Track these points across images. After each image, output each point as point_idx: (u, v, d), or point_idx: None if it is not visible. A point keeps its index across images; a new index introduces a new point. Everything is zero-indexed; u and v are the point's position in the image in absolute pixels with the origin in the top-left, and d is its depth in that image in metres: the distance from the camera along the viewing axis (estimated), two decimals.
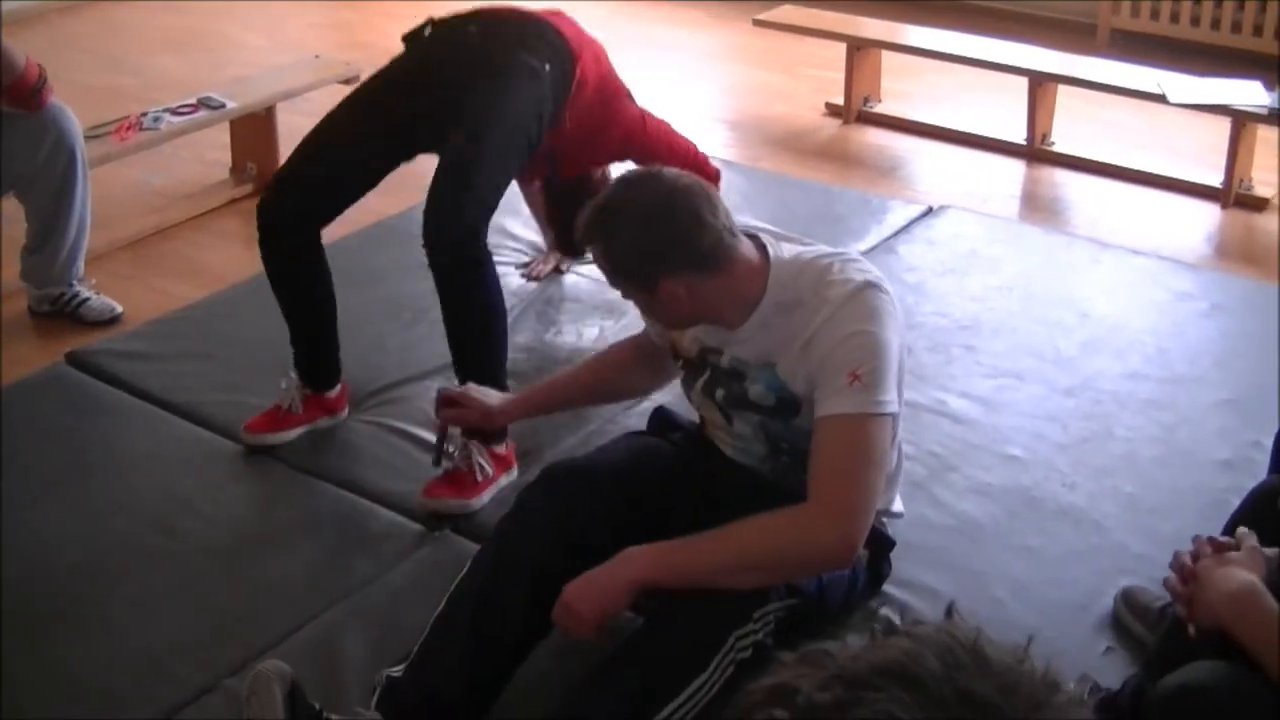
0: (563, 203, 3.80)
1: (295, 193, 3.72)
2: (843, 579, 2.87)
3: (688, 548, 2.63)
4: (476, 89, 3.65)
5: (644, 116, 4.22)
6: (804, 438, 2.71)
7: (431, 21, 3.89)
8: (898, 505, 3.07)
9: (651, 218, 2.67)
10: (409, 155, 3.84)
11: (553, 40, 3.82)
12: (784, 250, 2.78)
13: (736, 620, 2.61)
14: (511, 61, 3.69)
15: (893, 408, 2.65)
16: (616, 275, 2.77)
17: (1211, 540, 2.37)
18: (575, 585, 2.61)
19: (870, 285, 2.69)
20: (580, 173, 4.13)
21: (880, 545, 3.01)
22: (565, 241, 4.34)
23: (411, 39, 3.89)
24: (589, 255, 3.04)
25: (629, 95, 4.17)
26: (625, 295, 2.86)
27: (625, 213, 2.70)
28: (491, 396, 3.25)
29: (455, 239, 3.49)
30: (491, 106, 3.62)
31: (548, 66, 3.72)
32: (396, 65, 3.86)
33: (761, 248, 2.77)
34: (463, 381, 3.45)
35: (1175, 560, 2.37)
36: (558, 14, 3.99)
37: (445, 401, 3.25)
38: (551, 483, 2.89)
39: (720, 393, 2.88)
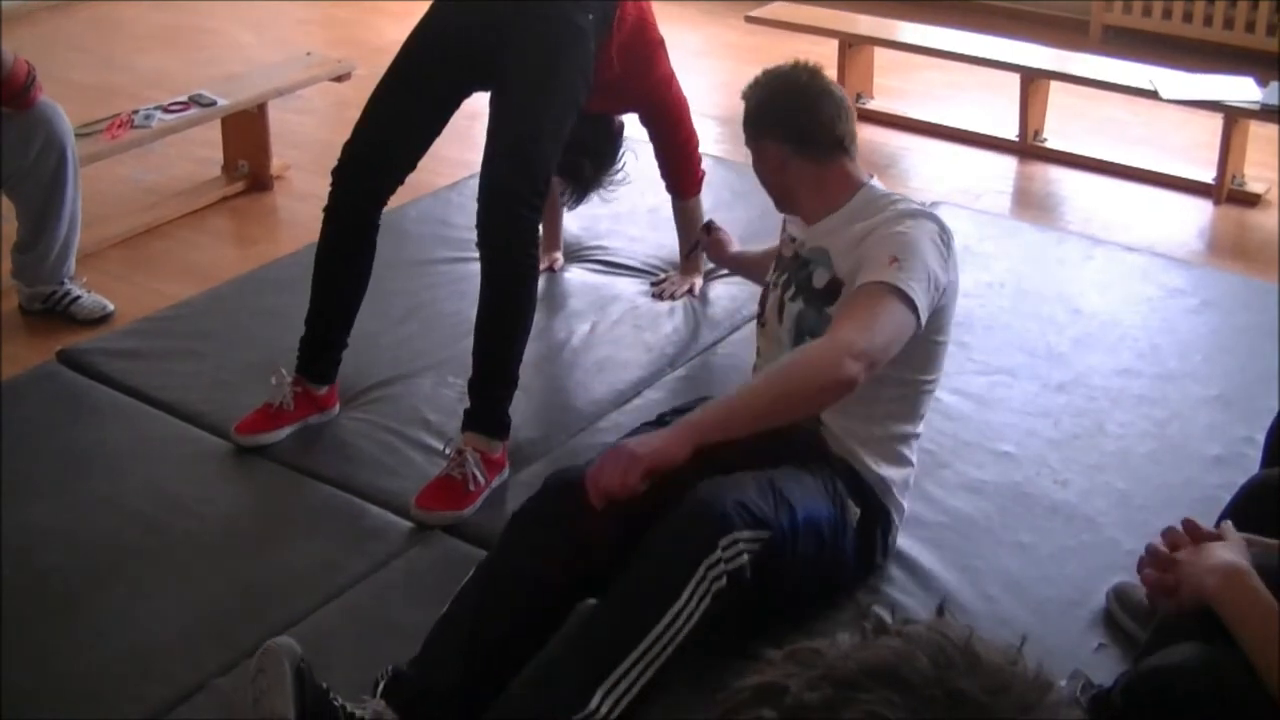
0: (572, 142, 3.76)
1: (366, 157, 3.75)
2: (819, 522, 2.86)
3: (729, 397, 2.87)
4: (524, 54, 3.64)
5: (672, 78, 4.24)
6: (826, 327, 2.98)
7: None
8: (905, 500, 3.18)
9: (787, 91, 3.16)
10: (459, 103, 3.84)
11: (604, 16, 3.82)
12: (880, 186, 3.19)
13: (703, 549, 2.63)
14: (558, 21, 3.67)
15: (918, 298, 2.87)
16: (744, 125, 3.22)
17: (1189, 526, 2.36)
18: (628, 441, 2.76)
19: (929, 215, 3.06)
20: (599, 110, 4.09)
21: (874, 512, 3.04)
22: (576, 183, 4.37)
23: None
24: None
25: (662, 48, 4.19)
26: (747, 145, 3.24)
27: (775, 79, 3.18)
28: None
29: (510, 232, 3.55)
30: (541, 81, 3.62)
31: (590, 16, 3.72)
32: (435, 16, 3.83)
33: (866, 178, 3.18)
34: (476, 368, 3.57)
35: (1149, 551, 2.36)
36: None
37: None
38: (553, 496, 2.88)
39: (791, 282, 3.16)
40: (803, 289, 3.13)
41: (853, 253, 3.01)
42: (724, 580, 2.63)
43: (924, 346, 3.01)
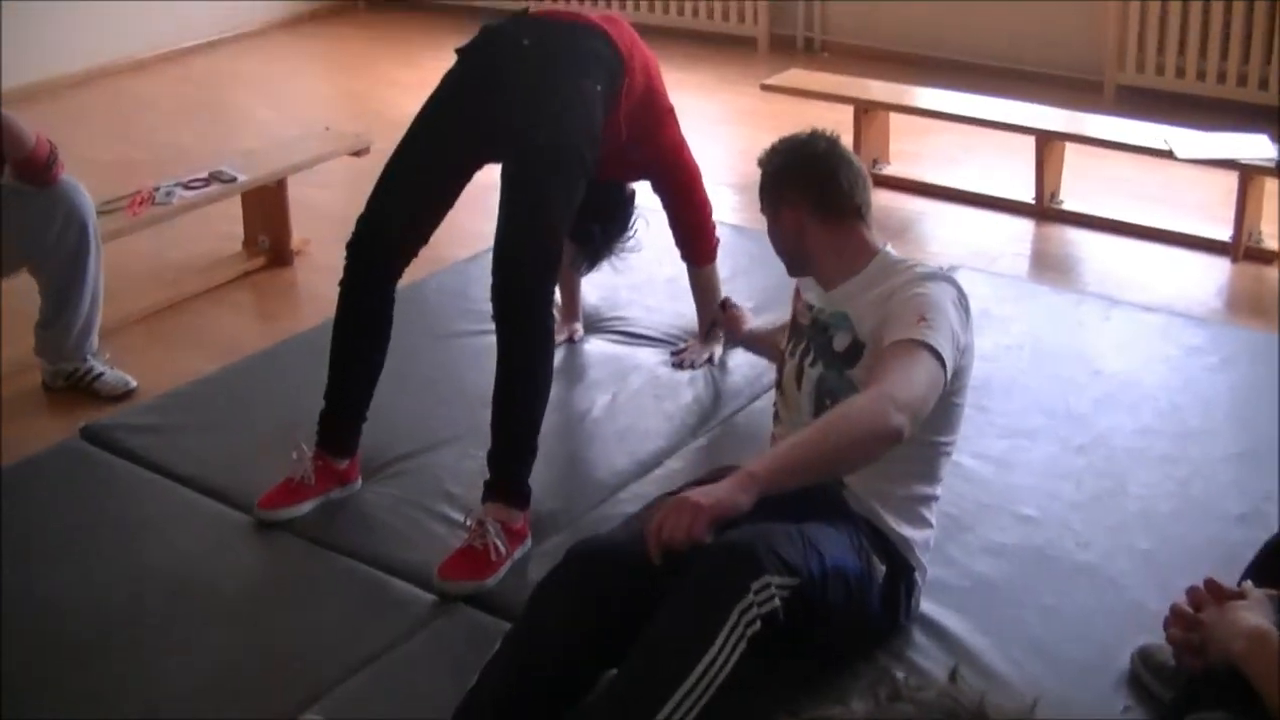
0: (583, 208, 3.78)
1: (380, 231, 3.77)
2: (846, 572, 2.86)
3: (783, 448, 2.86)
4: (534, 125, 3.66)
5: (682, 146, 4.26)
6: (848, 390, 3.03)
7: (484, 30, 3.92)
8: (929, 542, 3.20)
9: (807, 158, 3.23)
10: (471, 175, 3.87)
11: (604, 54, 3.84)
12: (894, 253, 3.22)
13: (736, 592, 2.62)
14: (567, 91, 3.71)
15: (948, 359, 2.91)
16: (760, 192, 3.29)
17: (1211, 586, 2.36)
18: (691, 491, 2.71)
19: (948, 279, 3.09)
20: (610, 178, 4.11)
21: (898, 569, 3.05)
22: (587, 250, 4.36)
23: (466, 51, 3.91)
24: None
25: (672, 116, 4.22)
26: (762, 211, 3.30)
27: (794, 147, 3.25)
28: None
29: (524, 301, 3.57)
30: (551, 151, 3.65)
31: (599, 87, 3.75)
32: (451, 82, 3.88)
33: (882, 244, 3.22)
34: (495, 439, 3.58)
35: (1173, 612, 2.35)
36: (611, 20, 4.02)
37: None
38: (576, 566, 2.88)
39: (811, 347, 3.18)
40: (823, 353, 3.14)
41: (875, 314, 3.04)
42: (758, 624, 2.62)
43: (943, 407, 3.00)
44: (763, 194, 3.29)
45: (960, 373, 3.05)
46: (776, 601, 2.64)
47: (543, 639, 2.80)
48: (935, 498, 3.19)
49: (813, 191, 3.19)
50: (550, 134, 3.66)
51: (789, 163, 3.24)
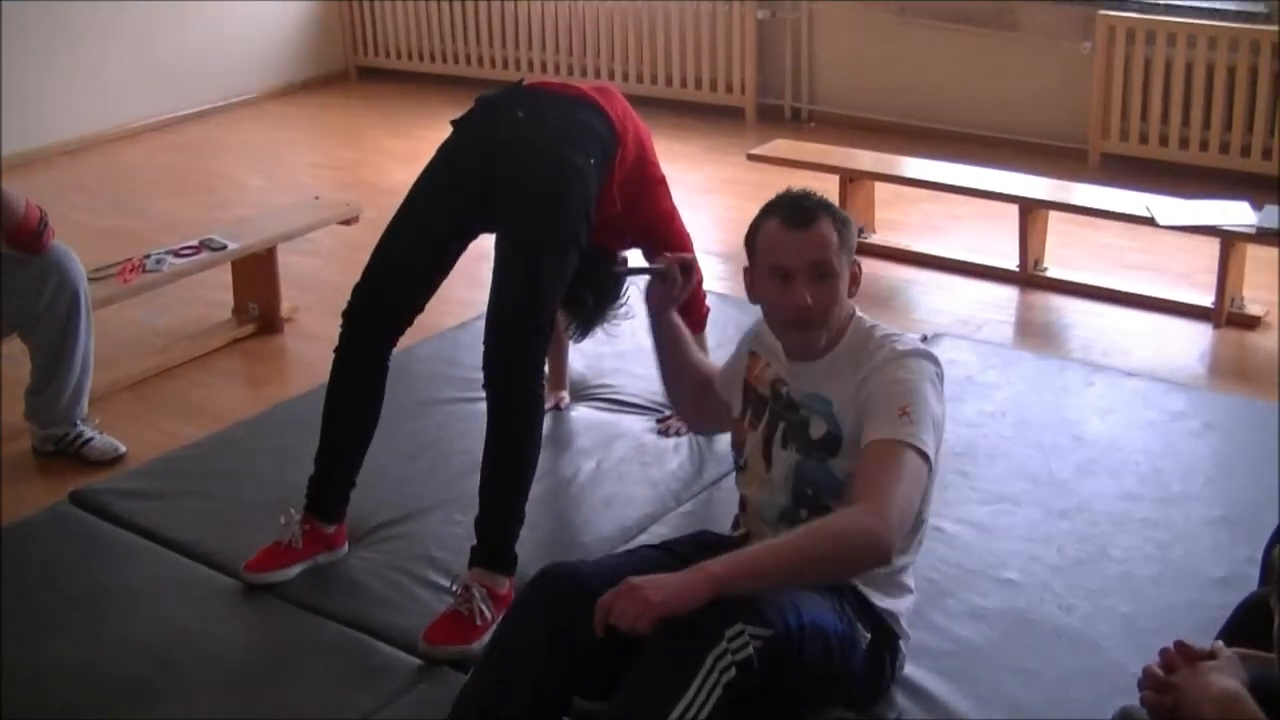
0: (575, 276, 3.80)
1: (377, 300, 3.82)
2: (826, 630, 2.87)
3: (754, 551, 2.81)
4: (527, 196, 3.71)
5: (674, 215, 4.28)
6: (830, 481, 3.01)
7: (480, 102, 3.96)
8: (909, 608, 3.19)
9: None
10: (465, 245, 3.91)
11: (598, 127, 3.87)
12: (866, 318, 3.13)
13: (710, 639, 2.64)
14: (560, 163, 3.74)
15: (932, 455, 2.89)
16: (843, 249, 3.05)
17: (1181, 648, 2.38)
18: (646, 578, 2.70)
19: (925, 354, 3.03)
20: (601, 245, 4.08)
21: (883, 635, 3.06)
22: (579, 318, 4.33)
23: (462, 122, 3.96)
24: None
25: (663, 186, 4.23)
26: (829, 270, 3.02)
27: (844, 214, 3.12)
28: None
29: (515, 369, 3.61)
30: (544, 221, 3.69)
31: (593, 160, 3.78)
32: (447, 153, 3.92)
33: (853, 308, 3.14)
34: (482, 504, 3.60)
35: (1146, 674, 2.37)
36: (604, 91, 4.05)
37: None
38: (546, 583, 2.91)
39: (780, 426, 3.10)
40: (797, 437, 3.08)
41: (855, 400, 2.98)
42: (733, 671, 2.64)
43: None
44: (844, 251, 3.09)
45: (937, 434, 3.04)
46: (751, 650, 2.66)
47: (517, 656, 2.82)
48: (912, 563, 3.20)
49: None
50: (542, 205, 3.70)
51: (840, 209, 3.13)
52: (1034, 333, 5.76)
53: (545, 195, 3.71)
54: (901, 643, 3.16)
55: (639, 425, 4.56)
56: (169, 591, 3.77)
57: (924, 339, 5.12)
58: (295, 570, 3.76)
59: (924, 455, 2.87)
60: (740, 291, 5.84)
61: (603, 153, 3.84)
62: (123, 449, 4.77)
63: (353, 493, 3.88)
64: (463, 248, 3.90)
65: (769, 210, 3.08)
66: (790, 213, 3.03)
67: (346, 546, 3.88)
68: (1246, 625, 2.65)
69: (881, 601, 3.06)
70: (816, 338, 3.05)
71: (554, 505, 4.12)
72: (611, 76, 9.07)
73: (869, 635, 3.00)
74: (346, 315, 3.83)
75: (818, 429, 3.05)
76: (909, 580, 3.18)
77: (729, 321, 5.08)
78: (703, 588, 2.66)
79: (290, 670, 3.45)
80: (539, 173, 3.73)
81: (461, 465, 4.13)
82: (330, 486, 3.86)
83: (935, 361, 3.04)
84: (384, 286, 3.82)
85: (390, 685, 3.34)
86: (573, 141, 3.79)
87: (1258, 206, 5.65)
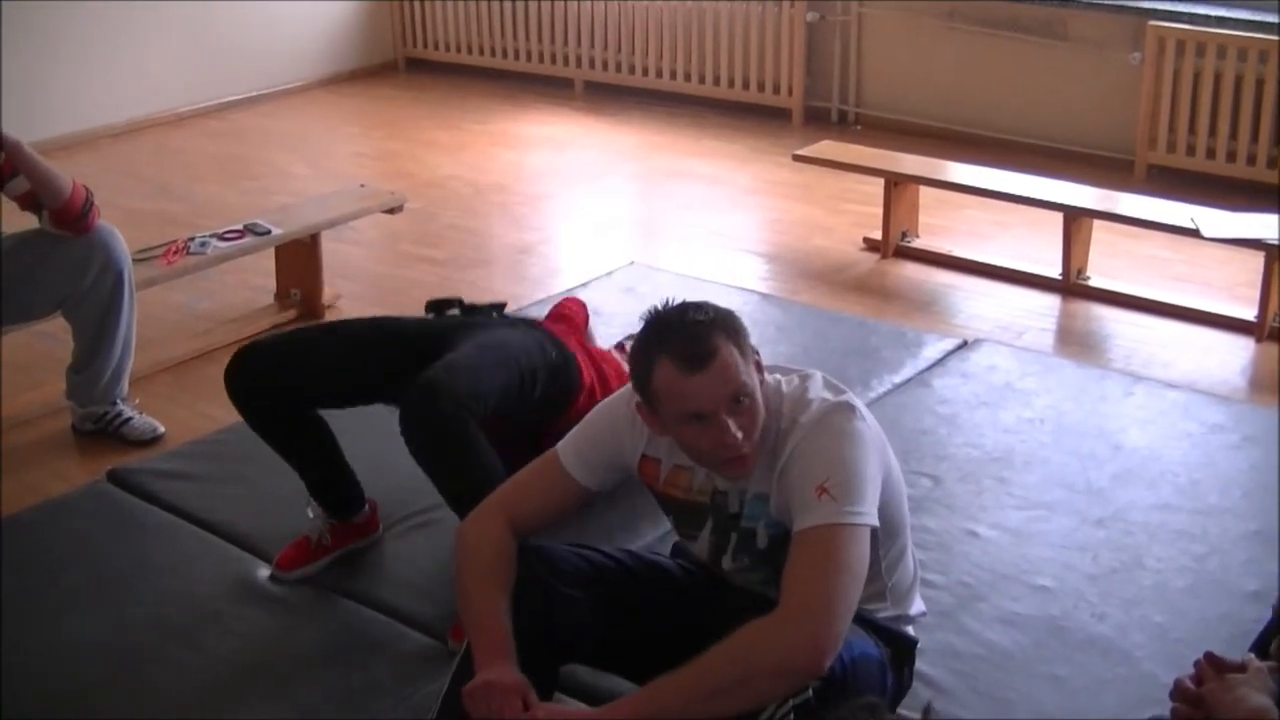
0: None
1: (272, 375, 3.69)
2: (870, 659, 2.80)
3: (658, 688, 2.58)
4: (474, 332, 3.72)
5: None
6: None
7: (460, 304, 3.98)
8: (918, 606, 3.10)
9: (727, 313, 2.77)
10: (377, 398, 3.79)
11: (562, 370, 3.79)
12: (769, 386, 2.81)
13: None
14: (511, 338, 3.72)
15: (864, 519, 2.65)
16: (748, 364, 2.72)
17: (1211, 660, 2.37)
18: (555, 708, 2.66)
19: (837, 408, 2.75)
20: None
21: (901, 648, 3.01)
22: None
23: (435, 307, 3.97)
24: None
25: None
26: (746, 393, 2.69)
27: (731, 316, 2.76)
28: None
29: (440, 409, 3.35)
30: (478, 339, 3.66)
31: (538, 374, 3.67)
32: (410, 321, 3.91)
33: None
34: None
35: (1177, 687, 2.37)
36: (581, 342, 4.04)
37: None
38: (522, 564, 2.87)
39: (722, 534, 2.90)
40: (746, 549, 2.88)
41: (781, 498, 2.75)
42: (791, 716, 2.57)
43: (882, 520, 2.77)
44: (749, 370, 2.73)
45: (886, 485, 2.80)
46: (809, 693, 2.59)
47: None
48: (903, 557, 3.04)
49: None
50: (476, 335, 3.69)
51: (726, 314, 2.77)
52: (1075, 341, 5.74)
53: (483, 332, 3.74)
54: (916, 636, 3.10)
55: None
56: (201, 571, 3.80)
57: (964, 344, 5.13)
58: (326, 561, 3.78)
59: (857, 526, 2.63)
60: (781, 292, 5.89)
61: (555, 381, 3.75)
62: (161, 430, 4.80)
63: (384, 480, 3.89)
64: (363, 401, 3.82)
65: (655, 348, 2.72)
66: (684, 355, 2.67)
67: (380, 529, 3.89)
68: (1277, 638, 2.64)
69: (895, 610, 3.02)
70: (752, 461, 2.76)
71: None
72: (659, 75, 9.06)
73: (888, 650, 2.93)
74: (231, 377, 3.72)
75: (762, 539, 2.84)
76: (909, 573, 3.06)
77: (768, 321, 5.10)
78: None
79: (320, 655, 3.46)
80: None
81: None
82: (328, 491, 3.83)
83: (848, 408, 2.76)
84: (285, 379, 3.70)
85: (419, 671, 3.35)
86: (530, 349, 3.74)
87: None
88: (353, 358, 3.76)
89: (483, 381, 3.49)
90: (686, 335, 2.69)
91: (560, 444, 2.99)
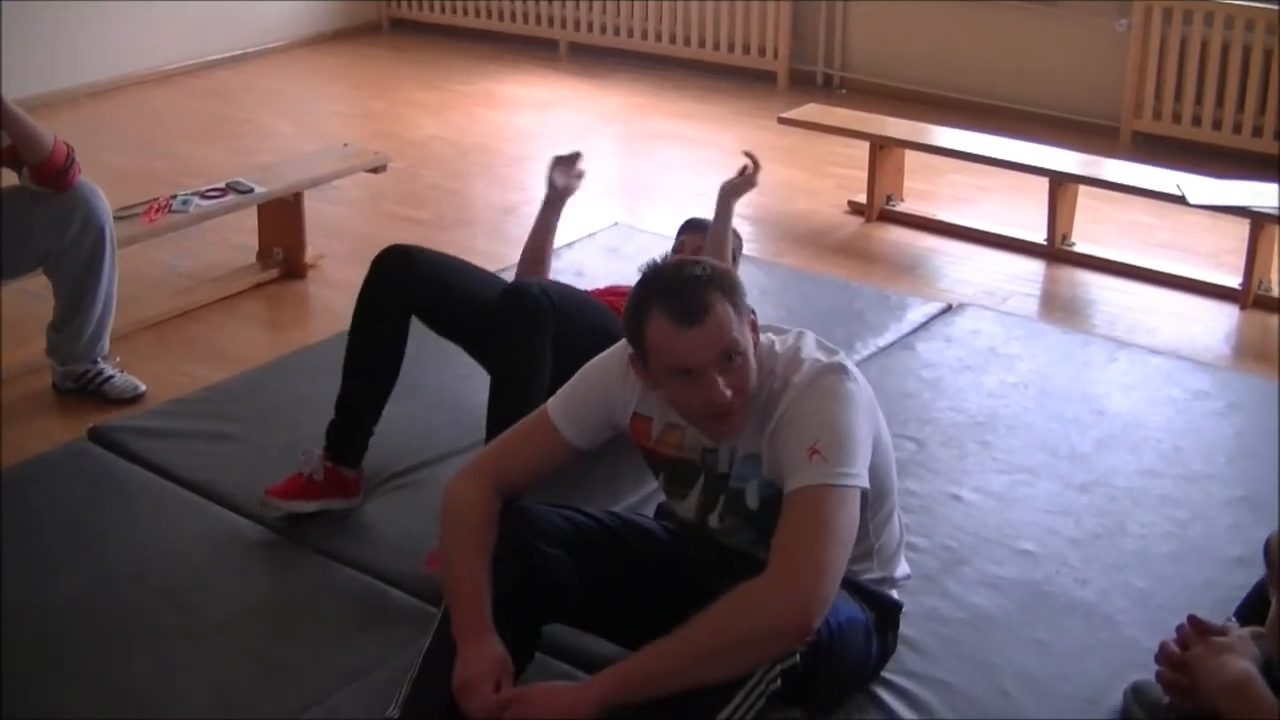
0: None
1: (409, 263, 3.88)
2: (856, 624, 2.84)
3: (647, 656, 2.59)
4: None
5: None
6: None
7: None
8: (903, 569, 3.12)
9: (725, 269, 2.81)
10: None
11: None
12: (764, 343, 2.82)
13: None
14: None
15: (855, 480, 2.65)
16: (742, 323, 2.72)
17: (1195, 624, 2.38)
18: (540, 686, 2.64)
19: (830, 369, 2.75)
20: None
21: (886, 612, 3.03)
22: None
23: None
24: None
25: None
26: (737, 351, 2.69)
27: (728, 274, 2.78)
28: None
29: (530, 293, 3.64)
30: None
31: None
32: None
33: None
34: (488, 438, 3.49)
35: (1162, 650, 2.38)
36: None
37: None
38: (503, 524, 2.88)
39: (722, 499, 2.91)
40: (734, 509, 2.89)
41: (772, 458, 2.75)
42: (778, 682, 2.60)
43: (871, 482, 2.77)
44: (741, 324, 2.73)
45: (876, 448, 2.81)
46: (796, 658, 2.61)
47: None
48: (900, 541, 3.11)
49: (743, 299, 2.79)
50: None
51: (723, 272, 2.78)
52: (1059, 307, 5.74)
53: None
54: (899, 600, 3.12)
55: None
56: (183, 530, 3.78)
57: (948, 308, 5.13)
58: (312, 507, 3.76)
59: (847, 488, 2.64)
60: (765, 254, 5.87)
61: None
62: (142, 388, 4.78)
63: (371, 440, 3.88)
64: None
65: (649, 300, 2.72)
66: (677, 308, 2.66)
67: (361, 497, 3.87)
68: (1261, 605, 2.65)
69: (881, 573, 3.03)
70: (740, 420, 2.76)
71: None
72: (644, 37, 9.01)
73: (873, 614, 2.96)
74: (377, 264, 3.84)
75: (753, 498, 2.84)
76: (894, 536, 3.07)
77: (752, 284, 5.05)
78: (593, 700, 2.56)
79: (302, 614, 3.45)
80: None
81: (481, 417, 4.10)
82: (350, 433, 3.85)
83: (840, 369, 2.76)
84: (422, 256, 3.87)
85: (401, 631, 3.33)
86: None
87: None
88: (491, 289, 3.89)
89: (583, 317, 3.73)
90: (681, 290, 2.69)
91: (550, 402, 3.00)
